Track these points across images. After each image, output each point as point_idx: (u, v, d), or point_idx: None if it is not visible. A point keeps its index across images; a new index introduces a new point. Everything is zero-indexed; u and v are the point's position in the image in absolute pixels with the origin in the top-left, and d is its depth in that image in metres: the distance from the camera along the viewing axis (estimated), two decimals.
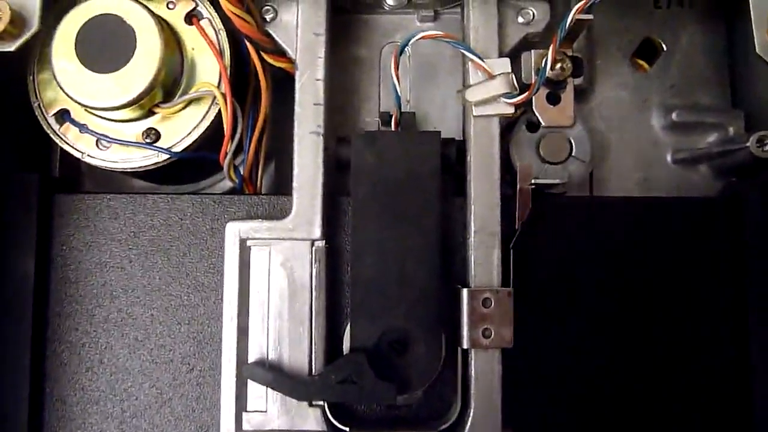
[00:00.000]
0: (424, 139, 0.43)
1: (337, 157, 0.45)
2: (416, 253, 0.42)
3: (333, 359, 0.42)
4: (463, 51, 0.44)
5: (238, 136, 0.45)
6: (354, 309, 0.42)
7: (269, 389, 0.42)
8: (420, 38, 0.43)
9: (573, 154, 0.47)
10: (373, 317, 0.42)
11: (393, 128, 0.44)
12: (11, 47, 0.42)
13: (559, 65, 0.45)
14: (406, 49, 0.46)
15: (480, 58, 0.43)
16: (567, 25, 0.43)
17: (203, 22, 0.46)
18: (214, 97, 0.45)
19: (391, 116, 0.44)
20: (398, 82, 0.43)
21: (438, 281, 0.42)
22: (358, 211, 0.42)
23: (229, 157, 0.45)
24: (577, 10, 0.42)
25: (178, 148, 0.45)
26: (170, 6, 0.46)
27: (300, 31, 0.45)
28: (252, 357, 0.42)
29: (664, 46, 0.53)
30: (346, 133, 0.45)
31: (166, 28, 0.44)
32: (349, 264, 0.43)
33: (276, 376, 0.41)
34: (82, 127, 0.45)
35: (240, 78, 0.48)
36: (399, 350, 0.41)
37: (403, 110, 0.45)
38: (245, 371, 0.42)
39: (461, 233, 0.44)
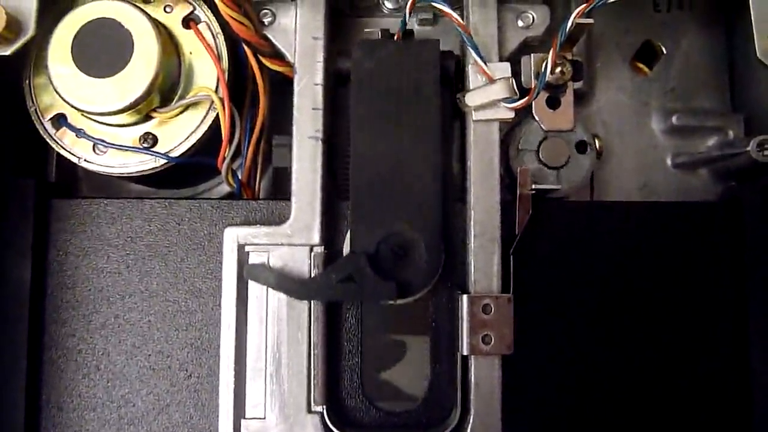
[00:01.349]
0: (423, 47, 0.43)
1: (336, 70, 0.44)
2: (416, 159, 0.42)
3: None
4: (469, 48, 0.43)
5: (236, 140, 0.45)
6: (353, 214, 0.42)
7: (268, 396, 0.42)
8: (440, 7, 0.42)
9: (572, 158, 0.47)
10: (373, 222, 0.41)
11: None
12: (7, 51, 0.42)
13: (559, 69, 0.44)
14: None
15: (483, 59, 0.43)
16: (567, 29, 0.42)
17: (201, 26, 0.45)
18: (212, 102, 0.45)
19: (392, 34, 0.45)
20: (409, 14, 0.43)
21: (438, 185, 0.41)
22: (357, 117, 0.42)
23: (227, 161, 0.45)
24: (577, 14, 0.42)
25: (175, 153, 0.45)
26: (167, 10, 0.46)
27: (298, 34, 0.44)
28: (250, 363, 0.42)
29: (664, 49, 0.52)
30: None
31: (163, 32, 0.44)
32: (350, 169, 0.43)
33: (277, 275, 0.41)
34: (79, 132, 0.45)
35: (238, 82, 0.47)
36: (399, 254, 0.41)
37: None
38: (246, 272, 0.42)
39: (461, 238, 0.44)
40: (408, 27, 0.44)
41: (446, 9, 0.43)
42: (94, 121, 0.45)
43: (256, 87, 0.46)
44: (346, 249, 0.43)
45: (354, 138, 0.42)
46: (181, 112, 0.45)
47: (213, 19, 0.46)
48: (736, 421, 0.45)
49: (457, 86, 0.45)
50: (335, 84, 0.45)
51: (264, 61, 0.45)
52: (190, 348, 0.44)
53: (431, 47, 0.43)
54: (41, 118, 0.45)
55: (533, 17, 0.45)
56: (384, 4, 0.50)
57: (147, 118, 0.45)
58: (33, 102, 0.45)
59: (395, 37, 0.44)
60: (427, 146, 0.42)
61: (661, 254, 0.46)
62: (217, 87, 0.45)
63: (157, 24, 0.43)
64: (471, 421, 0.42)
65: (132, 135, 0.45)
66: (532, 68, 0.45)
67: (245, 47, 0.45)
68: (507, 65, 0.44)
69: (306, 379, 0.42)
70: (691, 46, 0.53)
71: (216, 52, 0.45)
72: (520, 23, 0.45)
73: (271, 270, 0.41)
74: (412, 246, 0.41)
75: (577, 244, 0.46)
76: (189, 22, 0.46)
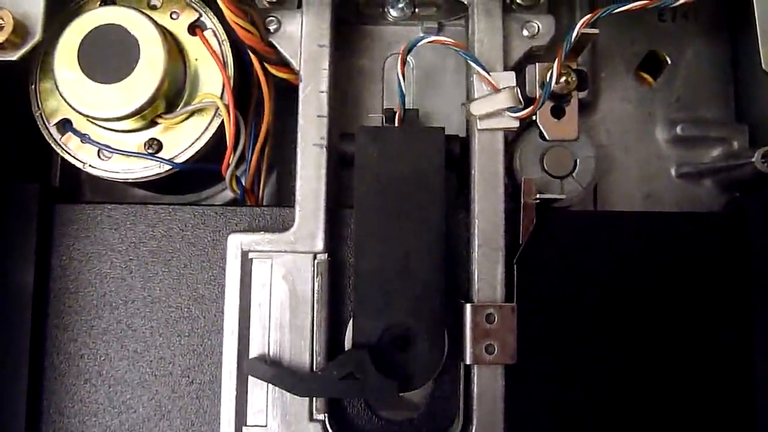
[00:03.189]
0: (428, 134, 0.43)
1: (340, 152, 0.44)
2: (419, 249, 0.42)
3: (335, 357, 0.41)
4: (470, 62, 0.43)
5: (240, 147, 0.45)
6: (356, 305, 0.42)
7: (270, 403, 0.42)
8: (429, 42, 0.43)
9: (577, 167, 0.47)
10: (376, 313, 0.41)
11: (396, 124, 0.44)
12: (13, 56, 0.42)
13: (563, 79, 0.44)
14: (409, 59, 0.45)
15: (486, 70, 0.43)
16: (572, 39, 0.42)
17: (207, 33, 0.46)
18: (217, 108, 0.45)
19: (394, 113, 0.44)
20: (403, 78, 0.42)
21: (441, 277, 0.41)
22: (361, 205, 0.42)
23: (231, 168, 0.45)
24: (582, 24, 0.42)
25: (180, 159, 0.45)
26: (174, 16, 0.46)
27: (304, 42, 0.45)
28: None
29: (668, 59, 0.52)
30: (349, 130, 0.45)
31: (169, 38, 0.44)
32: (353, 259, 0.43)
33: (277, 371, 0.41)
34: (84, 137, 0.45)
35: (243, 89, 0.47)
36: (401, 346, 0.41)
37: (406, 107, 0.44)
38: (246, 367, 0.41)
39: (465, 247, 0.44)
40: (414, 38, 0.43)
41: (435, 38, 0.43)
42: (100, 126, 0.45)
43: (261, 94, 0.46)
44: (348, 339, 0.43)
45: (356, 225, 0.42)
46: (186, 119, 0.45)
47: (219, 26, 0.46)
48: (740, 430, 0.45)
49: (462, 165, 0.44)
50: (339, 164, 0.45)
51: (269, 68, 0.46)
52: (192, 354, 0.44)
53: (436, 135, 0.43)
54: (46, 122, 0.45)
55: (538, 27, 0.45)
56: (389, 12, 0.50)
57: (152, 123, 0.45)
58: (38, 107, 0.45)
59: (396, 116, 0.44)
60: (430, 238, 0.42)
61: (664, 264, 0.46)
62: (222, 93, 0.45)
63: (163, 30, 0.43)
64: (473, 430, 0.41)
65: (137, 141, 0.45)
66: (537, 78, 0.45)
67: (251, 54, 0.45)
68: (512, 74, 0.44)
69: None
70: (696, 57, 0.53)
71: (221, 58, 0.45)
72: (526, 33, 0.45)
73: (271, 366, 0.41)
74: (414, 337, 0.41)
75: (581, 254, 0.45)
76: (195, 28, 0.46)
